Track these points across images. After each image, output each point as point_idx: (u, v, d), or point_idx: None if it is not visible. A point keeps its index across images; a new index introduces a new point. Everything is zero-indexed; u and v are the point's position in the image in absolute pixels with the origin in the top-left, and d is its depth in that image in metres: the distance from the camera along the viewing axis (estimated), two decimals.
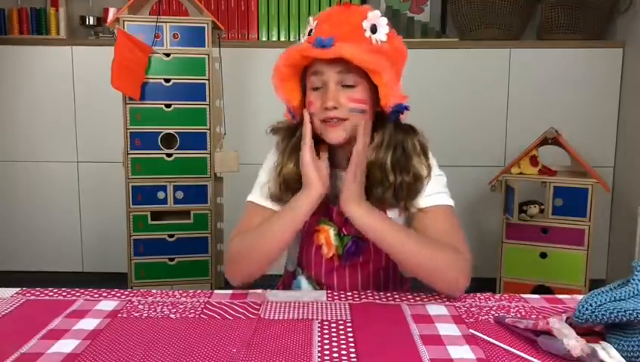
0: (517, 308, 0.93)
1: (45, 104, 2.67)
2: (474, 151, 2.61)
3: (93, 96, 2.64)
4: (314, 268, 1.10)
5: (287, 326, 0.85)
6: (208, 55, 2.04)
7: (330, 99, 0.98)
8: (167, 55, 2.03)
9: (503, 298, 0.98)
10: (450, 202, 1.06)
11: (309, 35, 1.02)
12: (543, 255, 2.22)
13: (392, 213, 1.06)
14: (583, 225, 2.15)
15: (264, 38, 2.77)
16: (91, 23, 2.79)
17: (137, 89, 1.99)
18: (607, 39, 2.69)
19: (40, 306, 0.93)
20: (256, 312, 0.91)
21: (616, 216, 2.60)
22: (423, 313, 0.90)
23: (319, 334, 0.82)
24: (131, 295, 0.99)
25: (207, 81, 2.06)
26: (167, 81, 2.04)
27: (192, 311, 0.92)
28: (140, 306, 0.93)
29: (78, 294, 0.99)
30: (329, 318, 0.88)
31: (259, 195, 1.13)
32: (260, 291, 1.01)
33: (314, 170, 0.98)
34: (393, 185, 1.02)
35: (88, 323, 0.86)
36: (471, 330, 0.83)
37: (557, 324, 0.74)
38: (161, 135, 2.05)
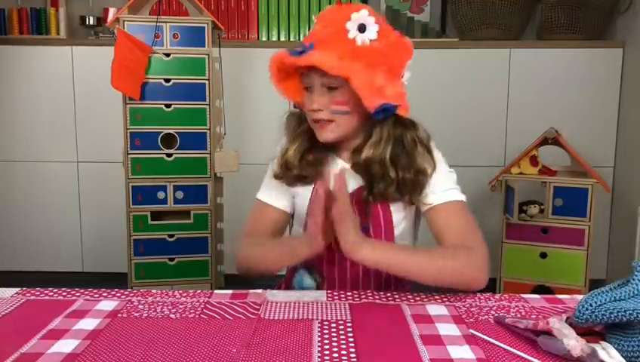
0: (517, 308, 0.93)
1: (45, 104, 2.67)
2: (474, 151, 2.61)
3: (93, 96, 2.64)
4: (315, 259, 1.10)
5: (287, 326, 0.85)
6: (208, 55, 2.04)
7: (314, 102, 1.03)
8: (167, 55, 2.03)
9: (503, 298, 0.98)
10: (462, 197, 1.08)
11: None
12: (543, 255, 2.22)
13: (396, 207, 1.08)
14: (583, 225, 2.15)
15: (264, 38, 2.77)
16: (91, 23, 2.79)
17: (137, 89, 1.99)
18: (607, 39, 2.69)
19: (40, 306, 0.93)
20: (256, 312, 0.91)
21: (616, 216, 2.60)
22: (423, 313, 0.90)
23: (319, 334, 0.82)
24: (131, 295, 0.99)
25: (207, 81, 2.05)
26: (167, 81, 2.04)
27: (192, 311, 0.92)
28: (139, 306, 0.93)
29: (78, 294, 0.99)
30: (329, 318, 0.88)
31: (267, 193, 1.18)
32: (260, 291, 1.01)
33: (321, 232, 0.94)
34: (395, 180, 1.03)
35: (88, 323, 0.86)
36: (471, 330, 0.82)
37: (557, 324, 0.74)
38: (161, 135, 2.05)
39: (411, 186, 1.04)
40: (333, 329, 0.83)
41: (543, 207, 2.21)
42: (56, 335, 0.82)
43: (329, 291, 1.01)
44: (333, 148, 1.13)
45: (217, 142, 2.14)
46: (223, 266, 2.29)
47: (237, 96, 2.52)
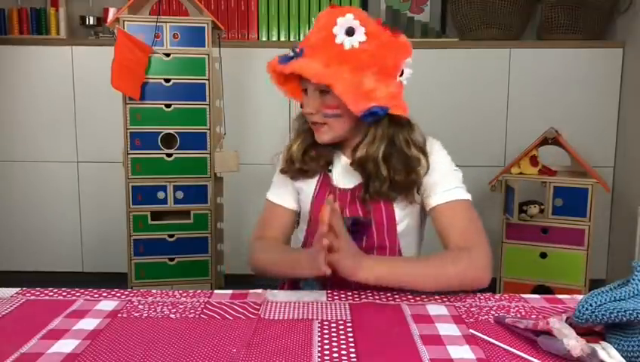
0: (517, 308, 0.93)
1: (45, 104, 2.67)
2: (474, 151, 2.61)
3: (93, 96, 2.64)
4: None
5: (287, 326, 0.85)
6: (208, 55, 2.04)
7: (307, 105, 1.07)
8: (167, 55, 2.03)
9: (503, 298, 0.98)
10: (468, 196, 1.09)
11: None
12: (543, 255, 2.22)
13: (398, 204, 1.09)
14: (583, 225, 2.15)
15: (264, 38, 2.77)
16: (91, 23, 2.79)
17: (137, 89, 1.99)
18: (607, 39, 2.70)
19: (40, 306, 0.93)
20: (256, 312, 0.91)
21: (616, 216, 2.60)
22: (423, 313, 0.90)
23: (319, 334, 0.82)
24: (131, 295, 0.99)
25: (207, 81, 2.06)
26: (167, 81, 2.04)
27: (192, 311, 0.92)
28: (139, 306, 0.93)
29: (78, 294, 0.99)
30: (329, 318, 0.88)
31: (275, 193, 1.23)
32: (260, 291, 1.01)
33: (324, 260, 0.93)
34: (388, 178, 1.05)
35: (88, 323, 0.86)
36: (471, 330, 0.82)
37: (557, 324, 0.74)
38: (161, 135, 2.05)
39: (403, 185, 1.06)
40: (333, 329, 0.83)
41: (543, 207, 2.21)
42: (56, 335, 0.82)
43: (329, 291, 1.01)
44: (339, 144, 1.15)
45: (217, 142, 2.14)
46: (223, 266, 2.29)
47: (237, 96, 2.52)
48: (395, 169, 1.05)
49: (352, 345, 0.78)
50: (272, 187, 1.24)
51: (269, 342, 0.79)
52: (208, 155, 2.09)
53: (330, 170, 1.16)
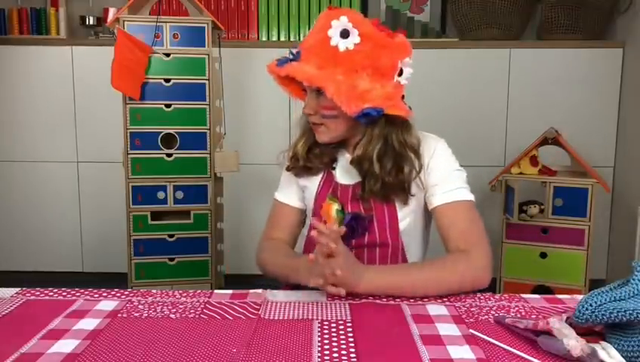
0: (517, 308, 0.93)
1: (45, 104, 2.67)
2: (474, 151, 2.61)
3: (93, 96, 2.64)
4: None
5: (287, 326, 0.85)
6: (208, 55, 2.04)
7: (306, 106, 1.10)
8: (167, 55, 2.03)
9: (503, 298, 0.98)
10: (470, 197, 1.10)
11: None
12: (543, 255, 2.22)
13: (399, 205, 1.11)
14: (583, 225, 2.15)
15: (264, 38, 2.77)
16: (91, 23, 2.79)
17: (137, 89, 1.99)
18: (607, 39, 2.69)
19: (40, 306, 0.93)
20: (256, 312, 0.91)
21: (616, 216, 2.60)
22: (423, 313, 0.90)
23: (319, 334, 0.82)
24: (131, 295, 0.99)
25: (207, 81, 2.05)
26: (167, 81, 2.04)
27: (192, 311, 0.92)
28: (140, 306, 0.93)
29: (78, 294, 0.99)
30: (329, 318, 0.88)
31: (283, 192, 1.26)
32: (260, 291, 1.01)
33: (320, 272, 0.94)
34: (380, 177, 1.07)
35: (88, 323, 0.86)
36: (471, 330, 0.82)
37: (557, 324, 0.74)
38: (161, 135, 2.05)
39: (393, 185, 1.08)
40: (333, 329, 0.83)
41: (543, 207, 2.21)
42: (56, 335, 0.82)
43: None
44: (342, 143, 1.17)
45: (217, 142, 2.14)
46: (223, 266, 2.29)
47: (237, 96, 2.52)
48: (386, 168, 1.07)
49: (352, 345, 0.78)
50: (280, 187, 1.27)
51: (269, 342, 0.79)
52: (208, 155, 2.09)
53: (334, 168, 1.18)
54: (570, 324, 0.77)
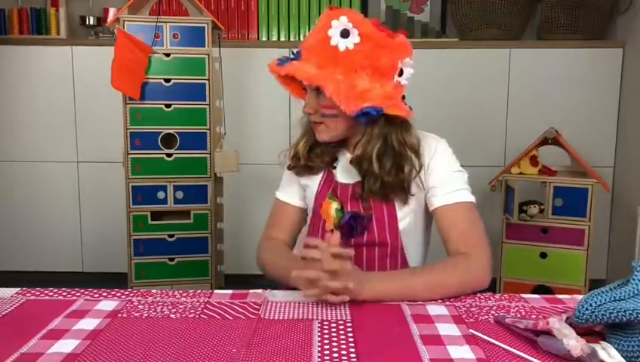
0: (517, 308, 0.93)
1: (45, 104, 2.67)
2: (474, 151, 2.61)
3: (93, 96, 2.64)
4: None
5: (287, 326, 0.85)
6: (208, 55, 2.04)
7: (306, 105, 1.11)
8: (167, 55, 2.03)
9: (503, 298, 0.98)
10: (471, 198, 1.10)
11: None
12: (543, 255, 2.21)
13: (398, 205, 1.11)
14: (583, 225, 2.15)
15: (264, 38, 2.77)
16: (91, 23, 2.79)
17: (137, 89, 1.99)
18: (607, 39, 2.69)
19: (40, 306, 0.94)
20: (256, 312, 0.91)
21: (616, 216, 2.60)
22: (423, 313, 0.90)
23: (319, 334, 0.82)
24: (131, 295, 0.99)
25: (207, 81, 2.05)
26: (167, 81, 2.04)
27: (192, 311, 0.92)
28: (140, 306, 0.93)
29: (78, 294, 0.99)
30: (329, 318, 0.88)
31: (284, 192, 1.26)
32: (260, 291, 1.01)
33: (323, 286, 0.94)
34: (379, 176, 1.07)
35: (88, 323, 0.86)
36: (471, 330, 0.82)
37: (557, 324, 0.74)
38: (161, 135, 2.05)
39: (393, 185, 1.08)
40: (333, 329, 0.83)
41: (543, 207, 2.21)
42: (56, 335, 0.82)
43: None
44: (343, 142, 1.17)
45: (217, 142, 2.14)
46: (223, 266, 2.29)
47: (237, 96, 2.52)
48: (385, 168, 1.07)
49: (352, 345, 0.78)
50: (281, 186, 1.27)
51: (269, 342, 0.79)
52: (208, 155, 2.09)
53: (334, 167, 1.18)
54: (570, 324, 0.77)
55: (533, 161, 2.22)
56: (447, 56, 2.60)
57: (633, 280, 0.78)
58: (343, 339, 0.80)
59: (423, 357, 0.74)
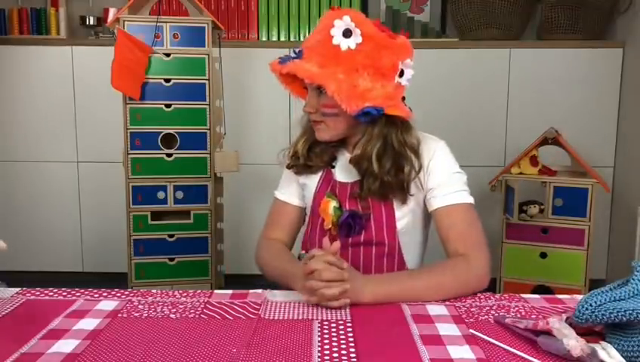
0: (517, 308, 0.93)
1: (45, 104, 2.67)
2: (474, 151, 2.61)
3: (93, 96, 2.64)
4: (317, 246, 1.12)
5: (287, 326, 0.85)
6: (208, 55, 2.04)
7: (307, 104, 1.11)
8: (167, 55, 2.03)
9: (503, 298, 0.98)
10: (470, 200, 1.10)
11: None
12: (543, 255, 2.21)
13: (397, 205, 1.11)
14: (583, 225, 2.15)
15: (264, 38, 2.77)
16: (91, 23, 2.79)
17: (137, 89, 1.99)
18: (607, 39, 2.69)
19: (40, 306, 0.94)
20: (256, 312, 0.91)
21: (616, 216, 2.59)
22: (423, 313, 0.90)
23: (319, 334, 0.82)
24: (131, 295, 0.99)
25: (207, 81, 2.05)
26: (167, 81, 2.04)
27: (192, 311, 0.92)
28: (140, 306, 0.93)
29: (78, 294, 0.99)
30: (329, 318, 0.88)
31: (282, 191, 1.26)
32: (260, 291, 1.01)
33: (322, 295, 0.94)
34: (379, 176, 1.08)
35: (88, 323, 0.86)
36: (471, 330, 0.83)
37: (557, 324, 0.74)
38: (161, 135, 2.05)
39: (392, 185, 1.08)
40: (333, 329, 0.83)
41: (543, 207, 2.21)
42: (56, 335, 0.82)
43: None
44: (343, 141, 1.17)
45: (217, 142, 2.14)
46: (223, 266, 2.29)
47: (237, 96, 2.52)
48: (385, 168, 1.08)
49: (352, 345, 0.78)
50: (280, 186, 1.27)
51: (269, 342, 0.79)
52: (208, 155, 2.09)
53: (333, 166, 1.19)
54: (570, 324, 0.77)
55: (533, 161, 2.22)
56: (447, 56, 2.60)
57: (633, 280, 0.78)
58: (343, 339, 0.80)
59: (423, 357, 0.74)
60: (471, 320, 0.88)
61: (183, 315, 0.90)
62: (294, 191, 1.24)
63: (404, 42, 1.07)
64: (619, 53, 2.54)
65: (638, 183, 2.38)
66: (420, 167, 1.10)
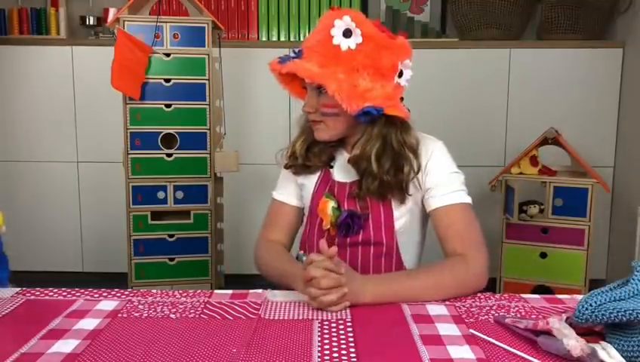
0: (517, 308, 0.93)
1: (45, 104, 2.67)
2: (474, 151, 2.61)
3: (93, 96, 2.64)
4: (315, 246, 1.12)
5: (287, 326, 0.85)
6: (208, 55, 2.04)
7: (306, 104, 1.11)
8: (167, 55, 2.03)
9: (503, 298, 0.98)
10: (467, 199, 1.11)
11: None
12: (543, 255, 2.21)
13: (395, 205, 1.11)
14: (583, 225, 2.15)
15: (264, 38, 2.77)
16: (91, 23, 2.79)
17: (137, 89, 1.99)
18: (607, 39, 2.69)
19: (40, 306, 0.94)
20: (256, 312, 0.91)
21: (616, 216, 2.59)
22: (423, 313, 0.90)
23: (319, 334, 0.82)
24: (131, 295, 0.99)
25: (207, 81, 2.05)
26: (167, 81, 2.04)
27: (192, 311, 0.92)
28: (140, 306, 0.93)
29: (78, 294, 0.99)
30: (329, 318, 0.88)
31: (280, 192, 1.26)
32: (260, 291, 1.01)
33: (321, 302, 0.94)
34: (378, 176, 1.08)
35: (88, 323, 0.86)
36: (471, 330, 0.83)
37: (557, 324, 0.74)
38: (161, 135, 2.05)
39: (392, 185, 1.09)
40: (334, 329, 0.83)
41: (543, 207, 2.21)
42: (56, 335, 0.82)
43: None
44: (341, 141, 1.17)
45: (217, 142, 2.14)
46: (223, 266, 2.29)
47: (237, 96, 2.52)
48: (384, 168, 1.08)
49: (352, 344, 0.78)
50: (277, 186, 1.27)
51: (269, 342, 0.79)
52: (208, 155, 2.09)
53: (331, 166, 1.19)
54: (570, 324, 0.77)
55: (533, 161, 2.22)
56: (447, 56, 2.60)
57: (633, 280, 0.78)
58: (343, 339, 0.80)
59: (423, 357, 0.74)
60: (471, 320, 0.88)
61: (183, 315, 0.90)
62: (292, 191, 1.24)
63: (403, 42, 1.07)
64: (619, 53, 2.54)
65: (638, 183, 2.38)
66: (419, 167, 1.10)
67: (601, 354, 0.69)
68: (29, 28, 2.73)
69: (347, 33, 1.01)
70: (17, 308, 0.92)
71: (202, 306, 0.94)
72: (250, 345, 0.78)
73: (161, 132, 2.05)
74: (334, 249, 0.95)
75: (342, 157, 1.17)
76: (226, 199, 2.28)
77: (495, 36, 2.63)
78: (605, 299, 0.76)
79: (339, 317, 0.89)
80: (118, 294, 0.99)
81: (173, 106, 2.05)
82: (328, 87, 1.00)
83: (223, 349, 0.77)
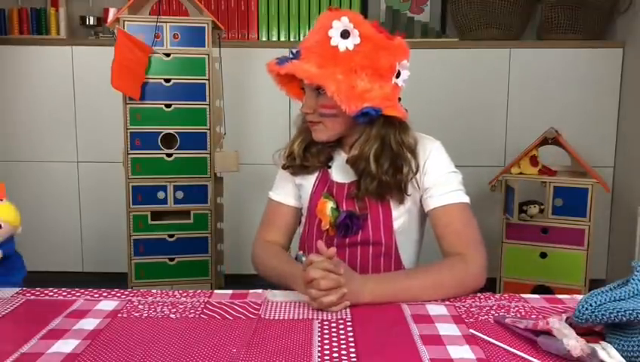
0: (517, 308, 0.93)
1: (45, 104, 2.67)
2: (474, 151, 2.61)
3: (93, 96, 2.64)
4: (314, 246, 1.12)
5: (287, 326, 0.85)
6: (208, 55, 2.04)
7: (304, 105, 1.11)
8: (167, 55, 2.03)
9: (503, 298, 0.98)
10: (465, 199, 1.11)
11: None
12: (543, 255, 2.21)
13: (394, 204, 1.11)
14: (583, 225, 2.15)
15: (264, 38, 2.77)
16: (91, 23, 2.79)
17: (137, 89, 1.99)
18: (607, 39, 2.69)
19: (40, 306, 0.94)
20: (256, 312, 0.91)
21: (616, 216, 2.59)
22: (423, 313, 0.90)
23: (319, 334, 0.82)
24: (131, 295, 0.99)
25: (207, 81, 2.05)
26: (167, 81, 2.04)
27: (192, 311, 0.92)
28: (140, 306, 0.93)
29: (78, 294, 0.99)
30: (329, 318, 0.88)
31: (277, 192, 1.26)
32: (260, 291, 1.01)
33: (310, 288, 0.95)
34: (377, 176, 1.08)
35: (88, 323, 0.86)
36: (471, 330, 0.83)
37: (557, 324, 0.74)
38: (161, 135, 2.05)
39: (390, 185, 1.09)
40: (334, 329, 0.84)
41: (543, 207, 2.21)
42: (56, 335, 0.82)
43: None
44: (339, 142, 1.17)
45: (217, 142, 2.14)
46: (223, 266, 2.29)
47: (237, 96, 2.52)
48: (383, 168, 1.08)
49: (352, 344, 0.78)
50: (274, 186, 1.27)
51: (269, 341, 0.79)
52: (208, 155, 2.09)
53: (329, 167, 1.19)
54: (570, 324, 0.77)
55: (533, 160, 2.22)
56: (447, 56, 2.60)
57: (633, 280, 0.78)
58: (343, 339, 0.80)
59: (423, 357, 0.74)
60: (471, 320, 0.88)
61: (183, 315, 0.90)
62: (290, 191, 1.24)
63: (401, 43, 1.07)
64: (619, 53, 2.54)
65: (638, 183, 2.38)
66: (417, 167, 1.10)
67: (601, 354, 0.69)
68: (29, 28, 2.73)
69: (345, 34, 1.01)
70: (17, 308, 0.92)
71: (202, 306, 0.94)
72: (250, 345, 0.78)
73: (161, 132, 2.05)
74: (333, 249, 0.95)
75: (340, 158, 1.17)
76: (226, 199, 2.28)
77: (495, 36, 2.63)
78: (605, 299, 0.76)
79: (339, 317, 0.89)
80: (118, 294, 0.99)
81: (173, 106, 2.05)
82: (327, 88, 1.00)
83: (223, 349, 0.77)
